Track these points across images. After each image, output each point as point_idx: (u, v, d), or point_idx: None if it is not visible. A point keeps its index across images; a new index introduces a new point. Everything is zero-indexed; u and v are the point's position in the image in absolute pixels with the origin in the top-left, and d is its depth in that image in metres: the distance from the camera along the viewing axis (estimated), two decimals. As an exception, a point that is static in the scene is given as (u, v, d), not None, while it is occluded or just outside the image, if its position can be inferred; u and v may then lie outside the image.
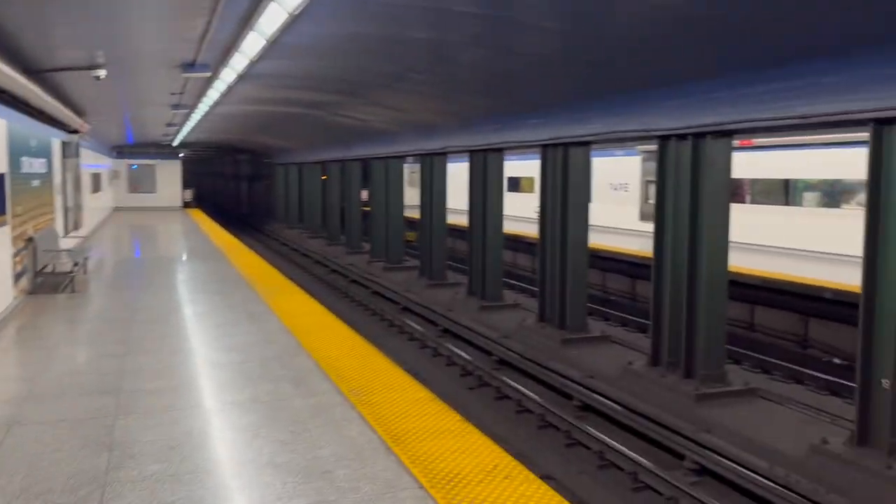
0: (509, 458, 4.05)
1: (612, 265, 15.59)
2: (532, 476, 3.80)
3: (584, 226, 9.42)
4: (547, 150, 9.71)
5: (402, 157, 16.29)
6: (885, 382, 5.28)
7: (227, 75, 9.97)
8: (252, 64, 8.76)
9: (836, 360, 10.07)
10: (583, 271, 9.45)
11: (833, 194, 15.21)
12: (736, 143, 13.40)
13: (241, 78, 10.09)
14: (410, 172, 25.42)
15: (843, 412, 7.67)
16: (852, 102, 5.35)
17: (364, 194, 20.64)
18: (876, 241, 5.32)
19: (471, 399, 8.61)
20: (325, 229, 22.60)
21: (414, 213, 14.40)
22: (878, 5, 4.69)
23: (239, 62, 8.74)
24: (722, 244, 7.10)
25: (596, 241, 16.14)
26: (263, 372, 5.97)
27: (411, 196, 19.93)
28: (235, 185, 43.91)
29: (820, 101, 5.60)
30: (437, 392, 8.51)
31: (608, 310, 14.07)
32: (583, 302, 9.50)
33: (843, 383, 8.89)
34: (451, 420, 4.65)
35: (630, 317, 13.10)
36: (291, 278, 13.58)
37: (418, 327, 11.85)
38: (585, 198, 9.46)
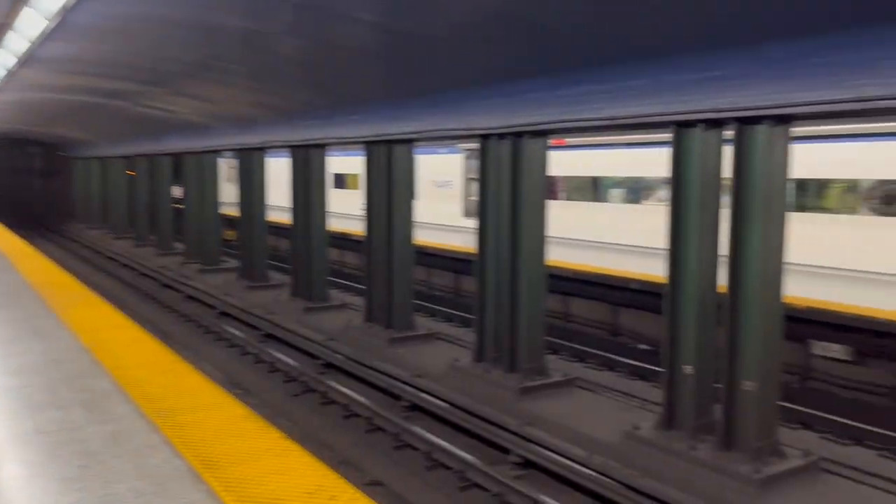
0: (334, 476, 3.81)
1: (437, 261, 15.76)
2: (358, 494, 3.59)
3: (409, 223, 9.36)
4: (370, 147, 9.53)
5: (217, 152, 15.37)
6: (688, 368, 5.66)
7: (5, 58, 8.78)
8: (34, 46, 7.75)
9: (643, 346, 10.83)
10: (409, 269, 9.39)
11: (636, 191, 16.45)
12: (550, 142, 14.00)
13: (24, 62, 8.93)
14: (229, 168, 24.19)
15: (653, 396, 8.22)
16: (656, 106, 5.66)
17: (177, 191, 19.30)
18: (679, 234, 5.67)
19: (296, 406, 8.23)
20: (133, 229, 20.87)
21: (235, 211, 13.62)
22: (674, 18, 4.97)
23: (17, 43, 7.69)
24: (540, 240, 7.30)
25: (422, 237, 16.26)
26: (50, 398, 5.23)
27: (231, 193, 18.95)
28: (27, 181, 39.43)
29: (628, 104, 5.87)
30: (260, 401, 8.12)
31: (435, 306, 14.18)
32: (409, 300, 9.44)
33: (649, 368, 9.53)
34: (270, 439, 4.32)
35: (456, 312, 13.28)
36: (93, 285, 12.32)
37: (238, 333, 11.21)
38: (410, 195, 9.39)
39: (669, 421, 5.76)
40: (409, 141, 9.14)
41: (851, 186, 11.41)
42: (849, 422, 7.43)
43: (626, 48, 5.69)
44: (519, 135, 7.17)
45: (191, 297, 13.98)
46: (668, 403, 5.78)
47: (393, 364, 8.22)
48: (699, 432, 5.56)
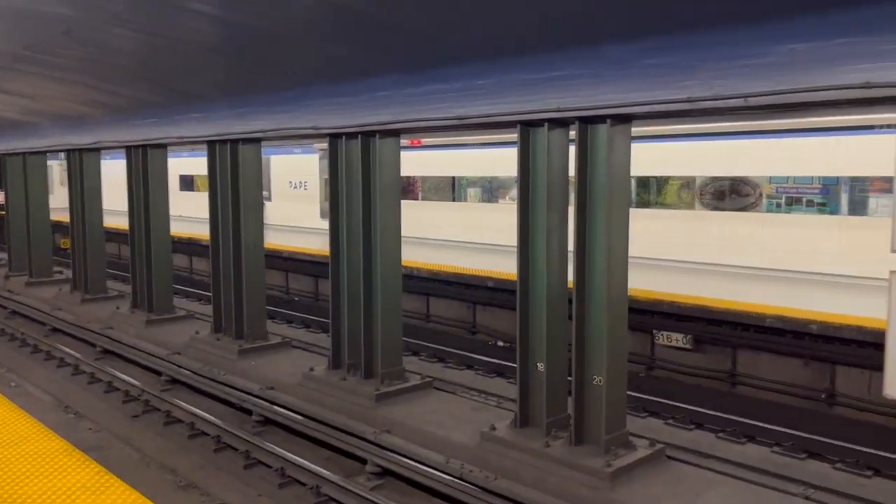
0: (159, 510, 3.44)
1: (294, 265, 15.26)
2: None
3: (258, 227, 8.91)
4: (214, 147, 8.98)
5: (43, 153, 14.02)
6: (540, 365, 5.70)
7: None
8: None
9: (501, 343, 10.98)
10: (259, 275, 8.94)
11: (491, 190, 16.74)
12: (406, 142, 13.91)
13: None
14: (62, 170, 22.27)
15: (512, 393, 8.30)
16: (502, 105, 5.66)
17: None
18: (527, 232, 5.69)
19: (135, 429, 7.58)
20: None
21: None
22: (517, 17, 4.97)
23: None
24: (395, 241, 7.15)
25: (277, 240, 15.68)
26: None
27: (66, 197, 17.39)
28: None
29: (476, 104, 5.83)
30: (94, 425, 7.36)
31: (293, 312, 13.69)
32: (261, 307, 8.99)
33: (507, 364, 9.64)
34: (88, 474, 3.85)
35: (314, 318, 12.89)
36: None
37: (71, 351, 10.22)
38: (258, 197, 8.96)
39: (524, 419, 5.78)
40: (256, 140, 8.69)
41: (688, 183, 12.17)
42: (691, 407, 7.84)
43: (472, 47, 5.64)
44: (369, 134, 6.98)
45: (16, 313, 12.65)
46: (522, 401, 5.80)
47: (243, 377, 7.77)
48: (553, 429, 5.61)
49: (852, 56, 3.82)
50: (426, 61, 6.12)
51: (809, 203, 10.75)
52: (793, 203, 10.88)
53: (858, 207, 10.28)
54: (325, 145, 7.75)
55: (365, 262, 7.13)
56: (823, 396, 8.37)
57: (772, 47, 4.12)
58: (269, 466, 6.45)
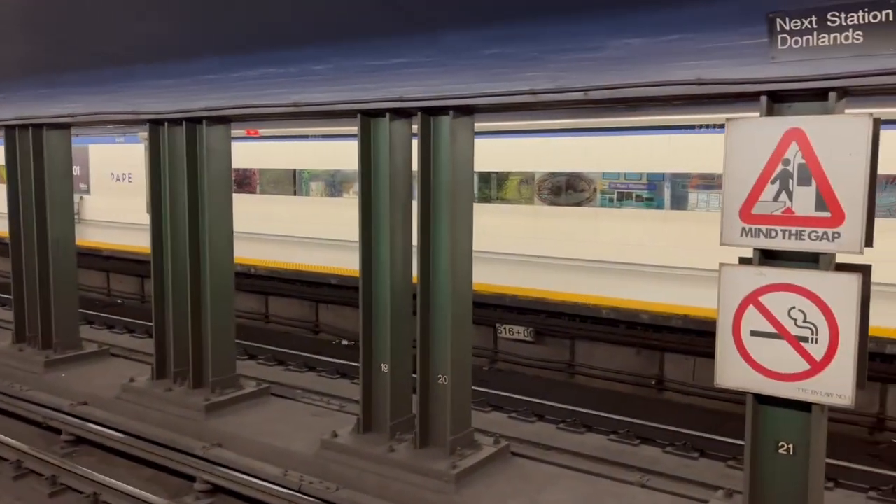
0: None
1: (117, 265, 13.98)
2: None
3: (68, 222, 7.97)
4: (14, 133, 7.90)
5: None
6: (384, 366, 5.46)
7: None
8: None
9: (345, 342, 10.63)
10: (70, 276, 8.00)
11: (335, 184, 16.28)
12: (244, 132, 13.14)
13: None
14: None
15: (356, 394, 7.99)
16: (342, 93, 5.33)
17: None
18: (370, 228, 5.42)
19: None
20: None
21: None
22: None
23: None
24: (226, 237, 6.60)
25: (99, 237, 14.31)
26: None
27: None
28: None
29: (313, 91, 5.46)
30: None
31: (114, 316, 12.50)
32: (73, 313, 8.05)
33: (350, 364, 9.32)
34: None
35: (140, 321, 11.84)
36: None
37: None
38: (68, 190, 8.00)
39: (367, 423, 5.51)
40: (65, 126, 7.75)
41: (527, 179, 12.45)
42: (533, 399, 7.94)
43: (309, 29, 5.27)
44: (196, 121, 6.38)
45: None
46: (365, 404, 5.53)
47: (50, 392, 6.89)
48: (398, 432, 5.40)
49: (684, 53, 3.89)
50: (259, 43, 5.65)
51: (638, 198, 11.35)
52: (624, 198, 11.44)
53: (680, 202, 10.98)
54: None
55: (192, 260, 6.54)
56: (653, 383, 8.82)
57: (609, 41, 4.12)
58: (81, 492, 5.72)
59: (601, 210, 11.54)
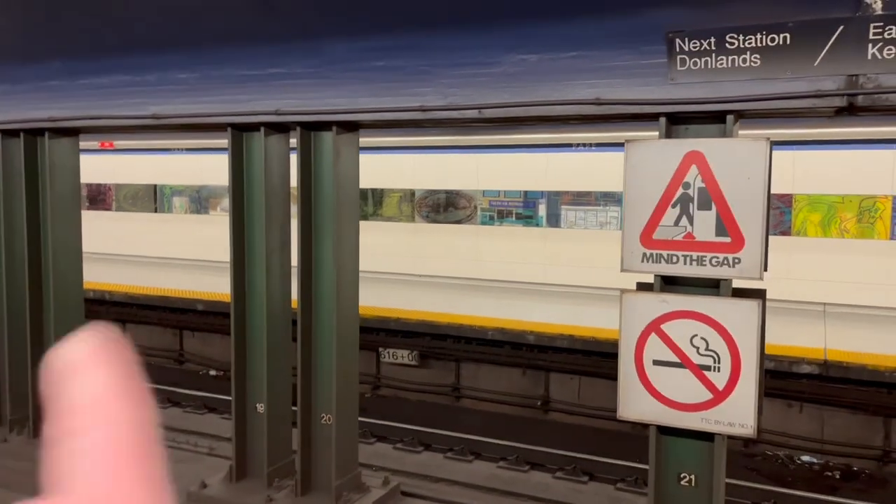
0: None
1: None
2: None
3: None
4: None
5: None
6: (260, 406, 4.95)
7: None
8: None
9: (213, 372, 9.87)
10: None
11: (200, 200, 15.27)
12: (97, 144, 12.02)
13: None
14: None
15: (225, 432, 7.34)
16: (209, 105, 4.81)
17: None
18: (242, 251, 4.91)
19: None
20: None
21: None
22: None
23: None
24: (73, 261, 5.83)
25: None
26: None
27: None
28: None
29: (176, 102, 4.90)
30: None
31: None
32: None
33: (219, 398, 8.61)
34: None
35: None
36: None
37: None
38: None
39: (242, 470, 4.97)
40: None
41: (407, 196, 12.17)
42: (419, 428, 7.62)
43: (169, 33, 4.72)
44: (37, 132, 5.60)
45: None
46: (239, 449, 4.98)
47: None
48: (276, 478, 4.89)
49: (584, 70, 3.73)
50: (111, 46, 5.02)
51: (518, 216, 11.36)
52: (504, 216, 11.42)
53: (558, 220, 11.10)
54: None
55: (33, 289, 5.72)
56: (539, 403, 8.76)
57: (505, 56, 3.90)
58: None
59: (482, 228, 11.46)
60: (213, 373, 9.95)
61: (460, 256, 11.23)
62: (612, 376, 8.26)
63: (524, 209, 11.48)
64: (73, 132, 5.67)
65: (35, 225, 5.69)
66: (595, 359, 8.10)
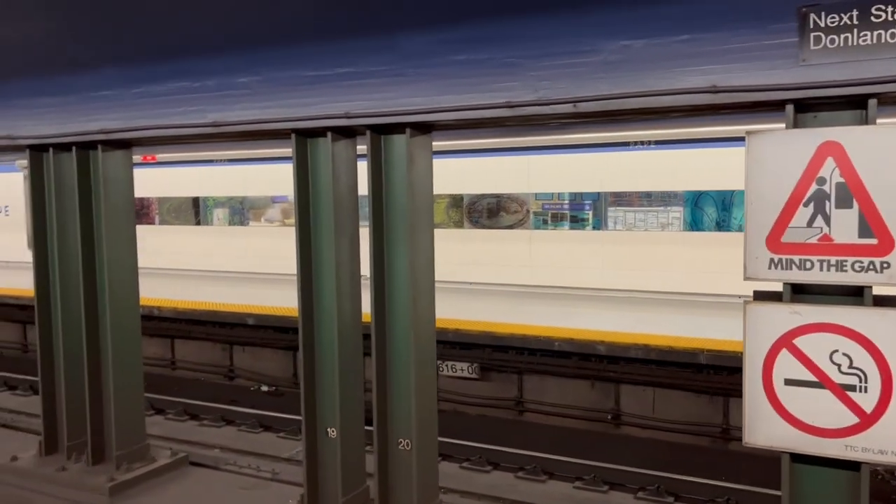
0: None
1: (-7, 310, 12.34)
2: None
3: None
4: None
5: None
6: (332, 431, 4.61)
7: None
8: None
9: (265, 388, 9.61)
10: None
11: (242, 211, 15.12)
12: (139, 158, 11.87)
13: None
14: None
15: (282, 451, 7.06)
16: (272, 110, 4.50)
17: None
18: (310, 265, 4.59)
19: None
20: None
21: None
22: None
23: None
24: (129, 277, 5.58)
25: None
26: None
27: None
28: None
29: (236, 108, 4.60)
30: None
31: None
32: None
33: (274, 416, 8.33)
34: None
35: (25, 377, 10.33)
36: None
37: None
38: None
39: (314, 501, 4.64)
40: (-77, 153, 6.49)
41: (456, 201, 11.83)
42: (485, 445, 7.23)
43: (231, 33, 4.43)
44: (89, 146, 5.36)
45: None
46: (311, 478, 4.65)
47: None
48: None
49: (695, 56, 3.33)
50: (167, 51, 4.75)
51: (574, 219, 10.95)
52: (559, 219, 11.01)
53: (612, 222, 10.65)
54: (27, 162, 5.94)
55: (88, 306, 5.47)
56: (609, 417, 8.32)
57: (603, 43, 3.51)
58: None
59: (535, 232, 11.06)
60: (264, 388, 9.70)
61: (513, 262, 10.86)
62: (689, 388, 7.82)
63: (579, 211, 11.06)
64: (127, 144, 5.42)
65: (89, 242, 5.46)
66: (671, 369, 7.65)
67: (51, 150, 5.47)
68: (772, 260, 3.24)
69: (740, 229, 10.15)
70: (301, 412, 4.65)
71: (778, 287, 3.28)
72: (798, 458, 3.32)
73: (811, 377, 3.21)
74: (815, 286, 3.20)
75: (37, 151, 5.54)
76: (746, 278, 3.32)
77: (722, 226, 10.19)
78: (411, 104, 4.04)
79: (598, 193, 10.69)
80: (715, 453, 7.63)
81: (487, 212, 11.55)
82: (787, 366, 3.26)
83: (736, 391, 7.63)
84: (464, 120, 3.99)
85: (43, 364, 5.72)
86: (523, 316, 9.10)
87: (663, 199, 10.29)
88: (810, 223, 3.16)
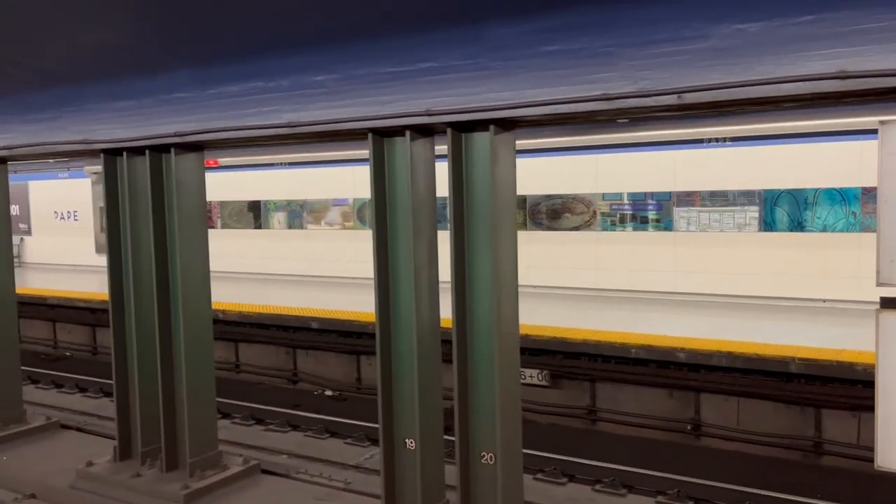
0: None
1: (63, 313, 12.58)
2: None
3: (6, 268, 6.76)
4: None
5: None
6: (410, 442, 4.43)
7: None
8: None
9: (329, 393, 9.53)
10: (10, 332, 6.77)
11: (302, 215, 15.15)
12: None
13: None
14: None
15: (349, 458, 6.92)
16: (348, 108, 4.35)
17: None
18: (386, 267, 4.42)
19: None
20: None
21: None
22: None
23: None
24: (202, 281, 5.50)
25: (40, 283, 12.93)
26: None
27: None
28: None
29: (312, 107, 4.47)
30: None
31: (63, 373, 11.09)
32: (15, 378, 6.80)
33: (340, 421, 8.22)
34: None
35: (95, 379, 10.48)
36: None
37: None
38: (6, 233, 6.79)
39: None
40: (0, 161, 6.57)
41: (518, 202, 11.59)
42: (559, 456, 6.96)
43: (306, 29, 4.29)
44: (162, 149, 5.31)
45: None
46: (388, 492, 4.47)
47: (-12, 483, 5.64)
48: (429, 523, 4.35)
49: (820, 38, 3.03)
50: (242, 51, 4.64)
51: (643, 219, 10.58)
52: (628, 220, 10.66)
53: (685, 223, 10.24)
54: (97, 168, 5.94)
55: (161, 310, 5.42)
56: (689, 428, 7.95)
57: (712, 27, 3.24)
58: None
59: (602, 234, 10.73)
60: (328, 393, 9.62)
61: (581, 265, 10.56)
62: (776, 398, 7.40)
63: (650, 212, 10.67)
64: (200, 146, 5.34)
65: (162, 247, 5.40)
66: (755, 378, 7.25)
67: (124, 153, 5.44)
68: (909, 263, 2.92)
69: (825, 229, 9.71)
70: (378, 422, 4.48)
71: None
72: (939, 484, 2.98)
73: (957, 393, 2.88)
74: (962, 292, 2.87)
75: (110, 155, 5.52)
76: (880, 283, 3.00)
77: (803, 226, 9.71)
78: (497, 100, 3.83)
79: (670, 193, 10.27)
80: (808, 468, 7.22)
81: (552, 213, 11.26)
82: (927, 381, 2.93)
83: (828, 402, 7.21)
84: (553, 115, 3.74)
85: (117, 370, 5.69)
86: (593, 321, 8.79)
87: (741, 197, 9.84)
88: (956, 222, 2.83)
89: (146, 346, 5.51)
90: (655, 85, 3.36)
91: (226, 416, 8.83)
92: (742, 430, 7.56)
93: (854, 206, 9.38)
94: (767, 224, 9.77)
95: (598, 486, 6.48)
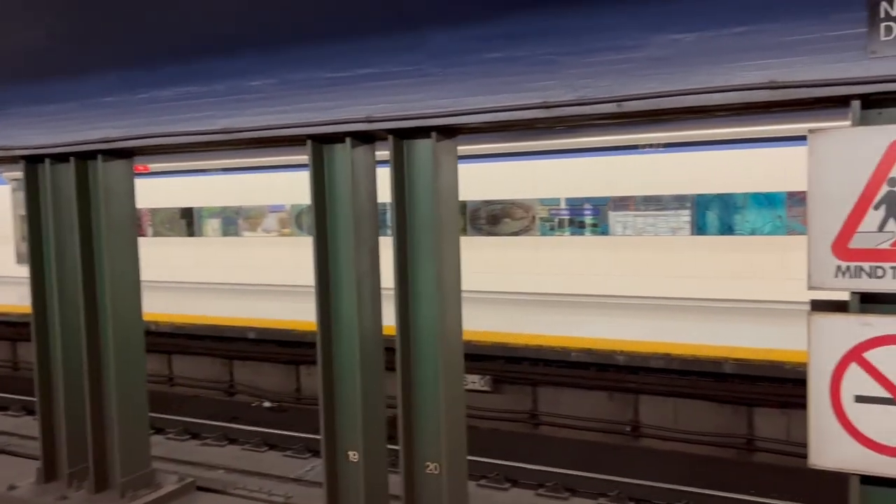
0: None
1: (-17, 327, 11.96)
2: None
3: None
4: None
5: None
6: (353, 454, 4.35)
7: None
8: None
9: (267, 404, 9.31)
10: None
11: (238, 221, 14.81)
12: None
13: None
14: None
15: (302, 474, 6.78)
16: (287, 114, 4.25)
17: None
18: (327, 276, 4.33)
19: None
20: None
21: None
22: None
23: None
24: (132, 292, 5.30)
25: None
26: None
27: None
28: None
29: (248, 112, 4.35)
30: None
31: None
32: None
33: (279, 433, 8.03)
34: None
35: (16, 396, 9.94)
36: None
37: None
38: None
39: (336, 527, 4.37)
40: (-89, 165, 6.19)
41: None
42: (501, 461, 6.96)
43: (243, 32, 4.18)
44: (88, 156, 5.08)
45: None
46: (332, 503, 4.38)
47: None
48: (377, 536, 4.28)
49: (752, 49, 3.11)
50: (173, 54, 4.49)
51: (581, 224, 10.75)
52: (565, 225, 10.80)
53: (621, 227, 10.45)
54: (17, 174, 5.66)
55: (89, 322, 5.19)
56: (628, 429, 8.07)
57: (650, 36, 3.29)
58: None
59: (541, 239, 10.84)
60: (266, 404, 9.41)
61: (520, 270, 10.64)
62: (711, 398, 7.59)
63: (588, 217, 10.84)
64: (130, 153, 5.14)
65: (89, 257, 5.18)
66: (692, 378, 7.43)
67: (47, 161, 5.19)
68: (839, 267, 3.03)
69: (753, 232, 10.08)
70: (321, 433, 4.39)
71: (840, 296, 3.06)
72: (868, 480, 3.09)
73: (884, 393, 2.99)
74: (888, 295, 2.98)
75: (31, 163, 5.26)
76: (811, 287, 3.09)
77: (733, 229, 10.04)
78: (439, 107, 3.81)
79: (608, 198, 10.45)
80: (743, 466, 7.43)
81: (492, 218, 11.32)
82: (857, 381, 3.03)
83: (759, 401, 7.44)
84: (495, 122, 3.75)
85: (40, 385, 5.42)
86: (533, 325, 8.85)
87: (674, 202, 10.10)
88: (881, 227, 2.95)
89: (72, 361, 5.26)
90: (596, 93, 3.40)
91: (159, 431, 8.51)
92: (679, 429, 7.74)
93: (780, 209, 9.75)
94: (699, 228, 10.07)
95: (540, 491, 6.51)
